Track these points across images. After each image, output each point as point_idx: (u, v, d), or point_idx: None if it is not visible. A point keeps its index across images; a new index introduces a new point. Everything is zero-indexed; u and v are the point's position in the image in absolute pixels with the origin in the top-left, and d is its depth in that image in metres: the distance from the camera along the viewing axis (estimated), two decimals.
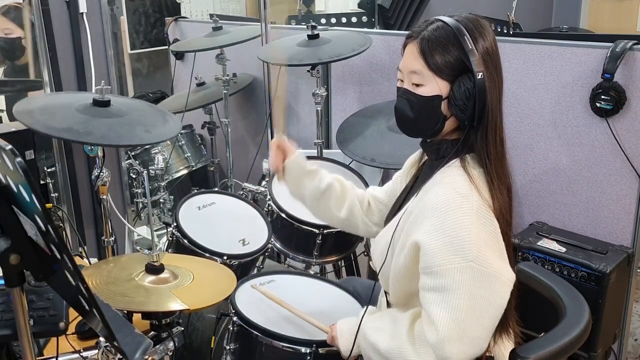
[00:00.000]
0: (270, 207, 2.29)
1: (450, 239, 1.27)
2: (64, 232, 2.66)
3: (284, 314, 1.70)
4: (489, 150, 1.34)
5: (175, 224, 2.10)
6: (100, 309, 0.98)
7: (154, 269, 1.61)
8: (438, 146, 1.41)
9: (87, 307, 0.99)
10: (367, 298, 1.76)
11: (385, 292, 1.57)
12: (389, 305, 1.56)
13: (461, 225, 1.27)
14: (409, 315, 1.41)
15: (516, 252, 2.04)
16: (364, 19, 4.05)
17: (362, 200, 1.71)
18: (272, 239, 2.23)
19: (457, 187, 1.32)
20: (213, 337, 1.85)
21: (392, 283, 1.45)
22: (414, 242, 1.32)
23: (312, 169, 1.66)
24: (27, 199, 0.92)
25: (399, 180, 1.66)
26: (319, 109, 2.60)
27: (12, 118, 1.81)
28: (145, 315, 1.55)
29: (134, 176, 3.06)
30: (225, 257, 2.02)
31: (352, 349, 1.46)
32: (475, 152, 1.36)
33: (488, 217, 1.30)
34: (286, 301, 1.74)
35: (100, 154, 1.95)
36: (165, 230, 3.07)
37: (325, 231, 2.19)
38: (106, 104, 1.87)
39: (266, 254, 2.20)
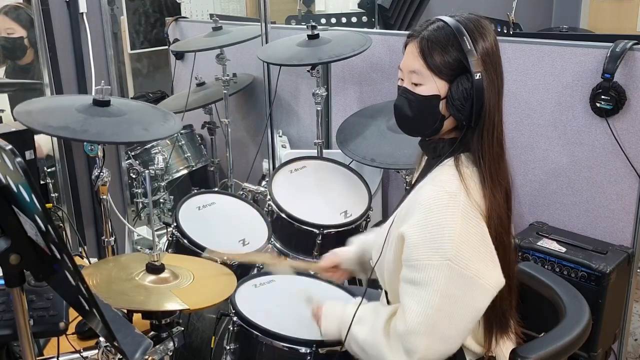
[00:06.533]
0: (270, 207, 2.28)
1: (431, 235, 1.28)
2: (64, 232, 2.66)
3: (283, 314, 1.70)
4: (484, 150, 1.35)
5: (175, 224, 2.10)
6: (100, 309, 0.98)
7: (154, 269, 1.60)
8: (435, 145, 1.42)
9: (87, 307, 0.99)
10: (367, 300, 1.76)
11: (386, 292, 1.58)
12: (389, 304, 1.56)
13: (444, 223, 1.28)
14: (389, 309, 1.43)
15: (516, 252, 2.03)
16: (364, 19, 4.05)
17: None
18: (272, 239, 2.23)
19: (446, 185, 1.33)
20: (213, 337, 1.85)
21: (387, 279, 1.47)
22: (399, 234, 1.35)
23: (358, 254, 1.76)
24: (27, 199, 0.92)
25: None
26: (319, 109, 2.60)
27: (14, 118, 1.82)
28: (145, 315, 1.55)
29: (134, 176, 3.05)
30: (225, 257, 2.02)
31: (345, 340, 1.47)
32: (471, 152, 1.37)
33: (474, 218, 1.30)
34: (286, 301, 1.74)
35: (100, 153, 1.94)
36: (165, 230, 3.07)
37: (325, 231, 2.19)
38: (106, 103, 1.87)
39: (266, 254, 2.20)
